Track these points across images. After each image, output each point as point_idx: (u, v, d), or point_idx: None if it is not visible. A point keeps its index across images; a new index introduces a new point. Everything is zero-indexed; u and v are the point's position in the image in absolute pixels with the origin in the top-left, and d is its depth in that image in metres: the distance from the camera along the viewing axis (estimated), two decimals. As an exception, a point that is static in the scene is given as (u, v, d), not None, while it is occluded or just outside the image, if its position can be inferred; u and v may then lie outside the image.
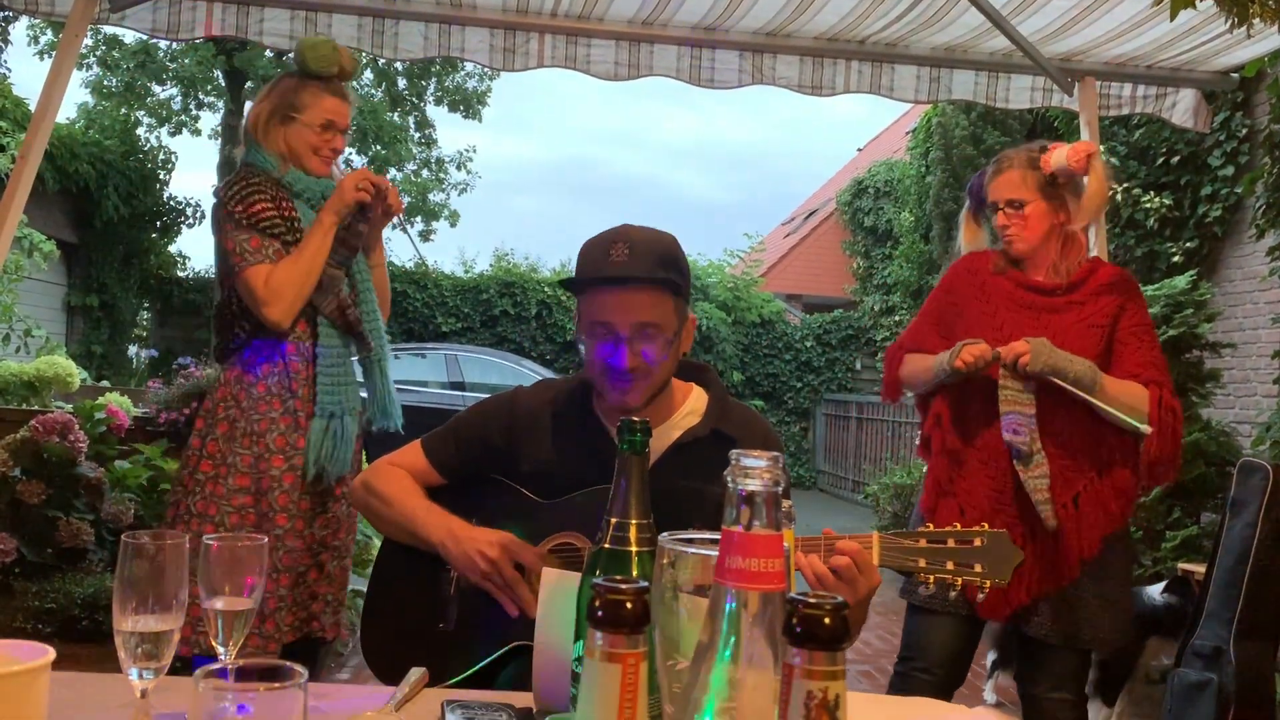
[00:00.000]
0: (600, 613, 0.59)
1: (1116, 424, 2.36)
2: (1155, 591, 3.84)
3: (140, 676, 1.03)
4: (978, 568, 1.53)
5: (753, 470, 0.69)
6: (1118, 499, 2.40)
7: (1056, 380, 2.32)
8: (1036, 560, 2.35)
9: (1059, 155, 2.47)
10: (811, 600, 0.57)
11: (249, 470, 2.40)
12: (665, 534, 0.85)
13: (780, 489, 0.69)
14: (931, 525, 2.42)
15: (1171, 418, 2.38)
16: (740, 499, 0.68)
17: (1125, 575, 2.50)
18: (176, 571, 1.07)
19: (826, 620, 0.56)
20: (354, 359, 2.60)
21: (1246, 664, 3.15)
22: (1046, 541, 2.36)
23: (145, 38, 12.97)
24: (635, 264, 1.63)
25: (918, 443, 2.66)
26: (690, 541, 0.83)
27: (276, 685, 0.66)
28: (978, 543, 1.54)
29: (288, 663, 0.69)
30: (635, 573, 1.07)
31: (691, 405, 1.79)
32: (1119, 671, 3.84)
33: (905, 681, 2.51)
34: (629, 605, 0.59)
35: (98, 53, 14.42)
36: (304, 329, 2.48)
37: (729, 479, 0.70)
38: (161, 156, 13.72)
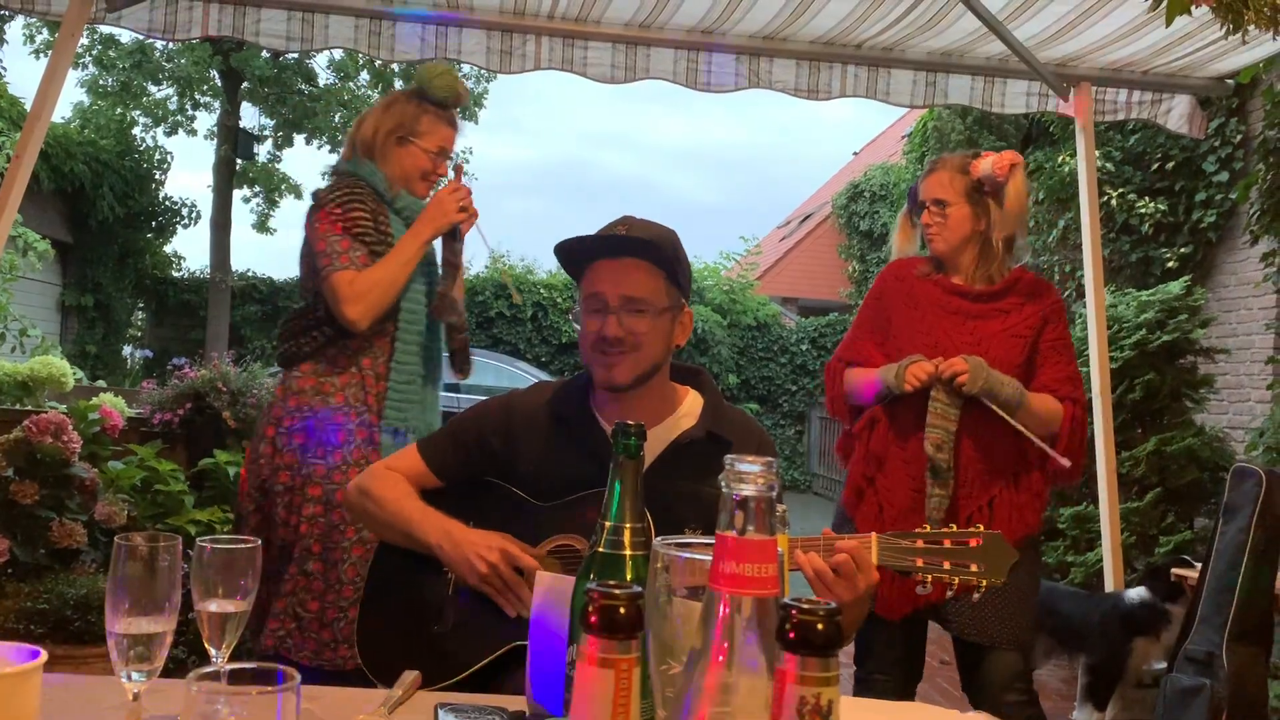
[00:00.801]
0: (594, 618, 0.59)
1: (1035, 436, 2.42)
2: (1134, 593, 3.85)
3: (132, 679, 1.03)
4: (974, 567, 1.55)
5: (747, 475, 0.69)
6: (1031, 505, 2.46)
7: (986, 401, 2.39)
8: None
9: (986, 162, 2.53)
10: (805, 606, 0.57)
11: (321, 481, 2.39)
12: (659, 538, 0.85)
13: (774, 494, 0.69)
14: (855, 521, 2.49)
15: (1080, 432, 2.48)
16: (734, 504, 0.68)
17: (1034, 576, 2.54)
18: (170, 574, 1.07)
19: (820, 626, 0.56)
20: (425, 380, 2.60)
21: (1239, 668, 3.15)
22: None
23: (142, 38, 12.98)
24: (631, 238, 1.68)
25: (837, 440, 2.73)
26: (685, 545, 0.83)
27: (269, 689, 0.66)
28: (974, 543, 1.55)
29: (281, 665, 0.69)
30: (630, 576, 1.07)
31: (687, 408, 1.79)
32: (1108, 675, 3.85)
33: (865, 686, 2.56)
34: (623, 610, 0.58)
35: (94, 52, 14.38)
36: (383, 347, 2.49)
37: (723, 484, 0.70)
38: (157, 157, 13.71)
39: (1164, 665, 3.90)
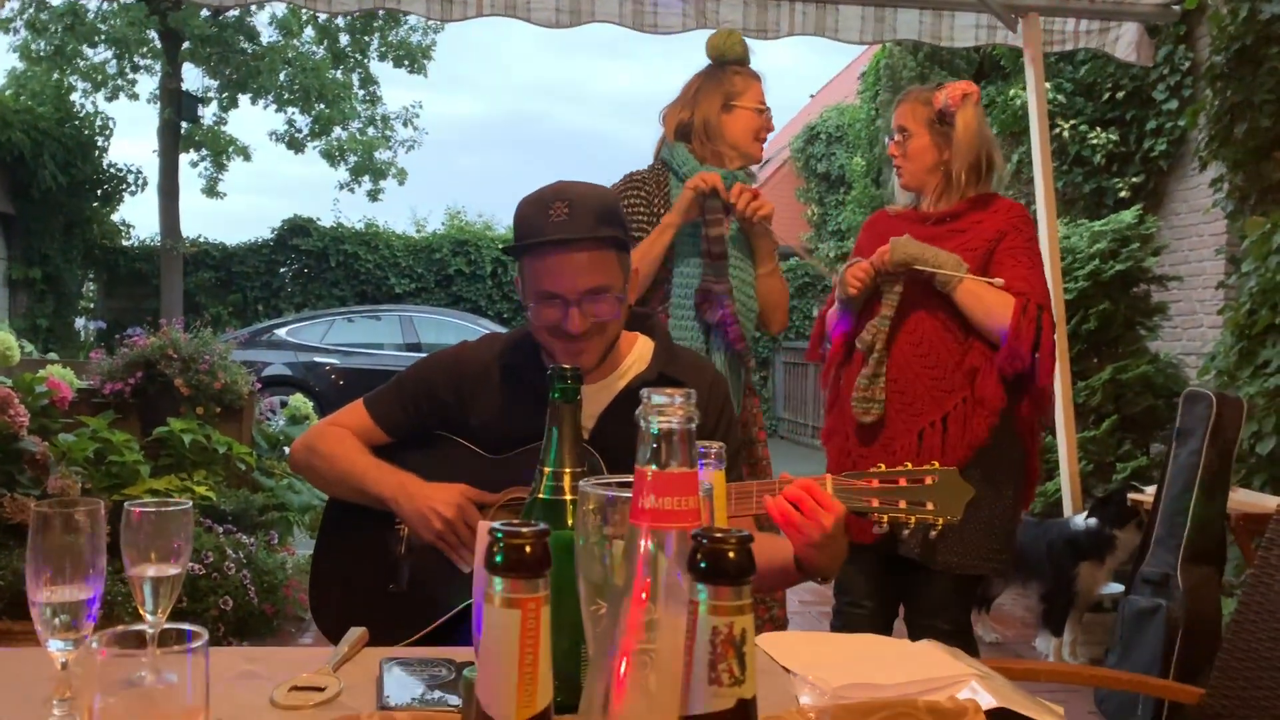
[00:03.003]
0: (499, 558, 0.57)
1: (979, 307, 2.37)
2: (1081, 519, 3.91)
3: (58, 648, 1.01)
4: (930, 505, 1.54)
5: (664, 407, 0.67)
6: (981, 417, 2.40)
7: (920, 268, 2.39)
8: None
9: (944, 92, 2.54)
10: (715, 534, 0.55)
11: None
12: (585, 479, 0.83)
13: (693, 425, 0.67)
14: (828, 456, 2.51)
15: (1032, 330, 2.35)
16: (652, 437, 0.66)
17: (1001, 500, 2.44)
18: (93, 540, 1.04)
19: (730, 554, 0.54)
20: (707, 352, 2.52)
21: (1193, 589, 3.22)
22: (911, 460, 2.37)
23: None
24: (576, 223, 1.58)
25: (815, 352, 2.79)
26: (613, 485, 0.81)
27: (175, 649, 0.63)
28: (929, 480, 1.55)
29: (190, 626, 0.66)
30: (571, 522, 1.05)
31: (638, 353, 1.77)
32: (1060, 601, 3.92)
33: (841, 618, 2.57)
34: (527, 549, 0.56)
35: (24, 16, 13.92)
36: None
37: (640, 418, 0.68)
38: (99, 123, 13.33)
39: (1113, 589, 3.98)
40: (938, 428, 2.41)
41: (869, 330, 2.45)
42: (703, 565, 0.54)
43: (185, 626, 0.66)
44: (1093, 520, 3.85)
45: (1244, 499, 3.63)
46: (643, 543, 0.65)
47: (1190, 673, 3.06)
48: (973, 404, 2.40)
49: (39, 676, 1.06)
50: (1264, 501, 3.58)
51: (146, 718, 0.64)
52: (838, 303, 2.58)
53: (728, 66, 2.61)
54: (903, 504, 1.54)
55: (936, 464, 1.59)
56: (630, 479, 0.87)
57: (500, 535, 0.57)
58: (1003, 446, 2.44)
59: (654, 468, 0.66)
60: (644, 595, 0.64)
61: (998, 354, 2.38)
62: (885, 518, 1.55)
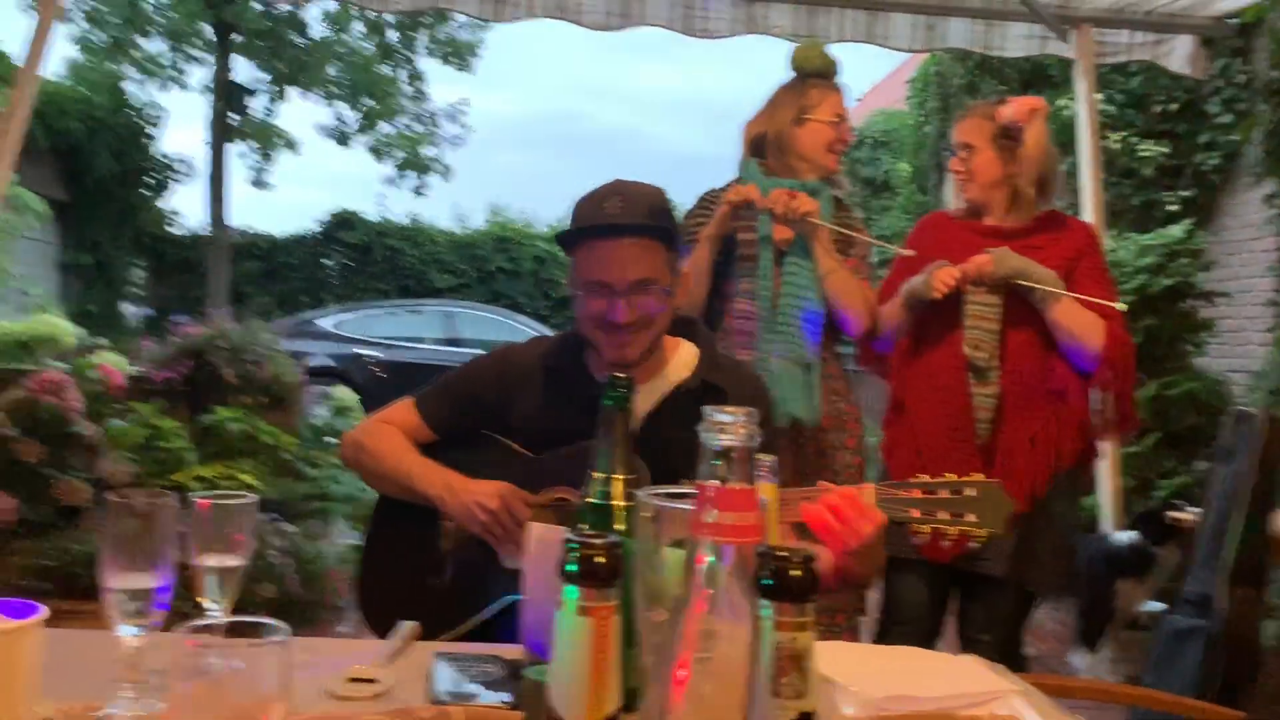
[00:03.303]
0: (572, 567, 0.59)
1: (1078, 325, 2.38)
2: (1120, 534, 3.88)
3: (129, 633, 1.05)
4: (971, 517, 1.54)
5: (726, 425, 0.69)
6: (1070, 439, 2.42)
7: (1023, 283, 2.36)
8: None
9: (1007, 108, 2.53)
10: (781, 553, 0.57)
11: None
12: (645, 489, 0.85)
13: (754, 443, 0.69)
14: (890, 467, 2.48)
15: (1123, 351, 2.41)
16: (714, 454, 0.69)
17: (1074, 519, 2.55)
18: (164, 529, 1.08)
19: (795, 572, 0.56)
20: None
21: (1234, 610, 3.18)
22: (999, 478, 2.38)
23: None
24: (629, 215, 1.64)
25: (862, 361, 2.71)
26: (672, 496, 0.84)
27: (259, 641, 0.67)
28: (971, 493, 1.55)
29: (271, 620, 0.70)
30: (621, 527, 1.08)
31: (683, 358, 1.79)
32: (1097, 617, 3.88)
33: (883, 637, 2.55)
34: (600, 559, 0.59)
35: (84, 8, 14.19)
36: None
37: (703, 434, 0.70)
38: (151, 113, 13.57)
39: (1152, 607, 3.94)
40: (1025, 447, 2.41)
41: (975, 343, 2.40)
42: (769, 582, 0.56)
43: (264, 620, 0.70)
44: (1135, 536, 3.81)
45: (1289, 521, 3.58)
46: (703, 555, 0.67)
47: (1228, 694, 3.02)
48: (1062, 424, 2.42)
49: (104, 659, 1.10)
50: (1309, 524, 3.53)
51: (226, 706, 0.68)
52: (907, 304, 2.50)
53: (808, 79, 2.64)
54: (944, 515, 1.54)
55: (980, 475, 1.59)
56: (679, 489, 0.89)
57: (575, 545, 0.60)
58: (1081, 465, 2.49)
59: (716, 483, 0.68)
60: (703, 606, 0.66)
61: (1096, 373, 2.40)
62: (927, 528, 1.55)
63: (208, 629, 0.71)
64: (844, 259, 2.56)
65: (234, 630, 0.72)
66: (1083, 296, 2.39)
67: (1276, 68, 4.96)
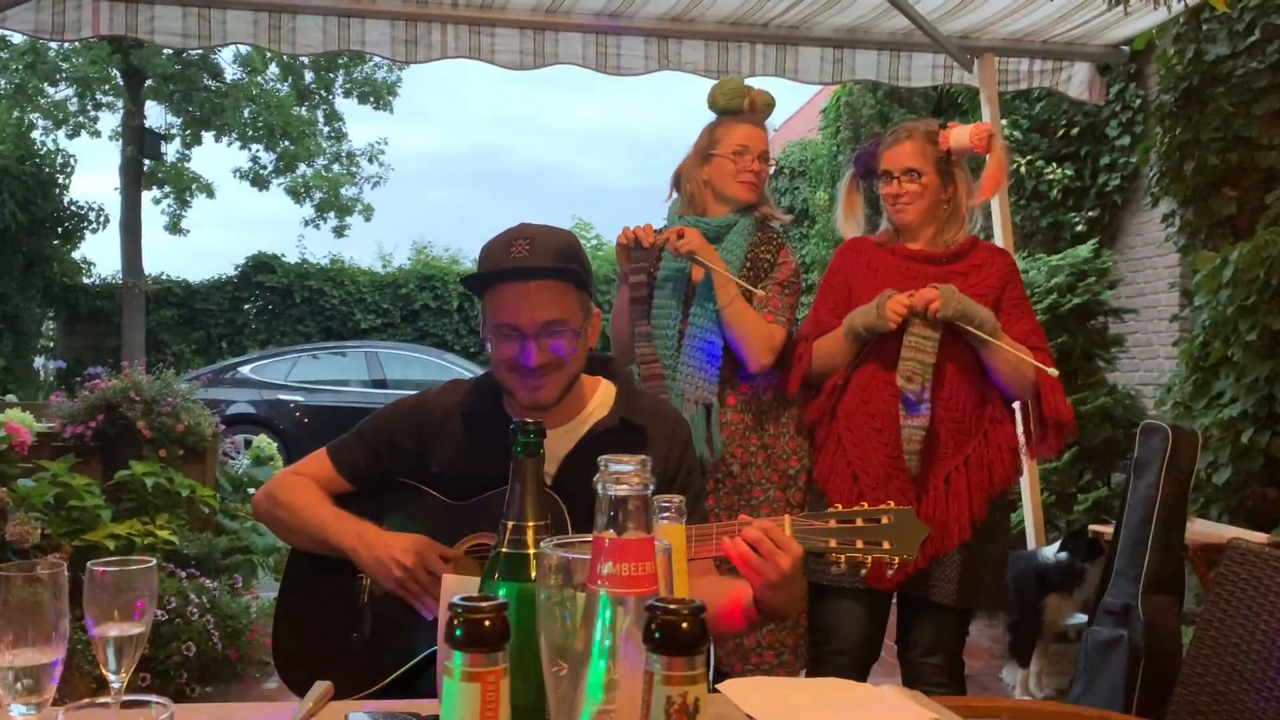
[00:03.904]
0: (457, 633, 0.58)
1: (1009, 375, 2.44)
2: (1050, 551, 3.96)
3: (19, 712, 1.00)
4: (886, 544, 1.55)
5: (622, 475, 0.68)
6: (1001, 462, 2.47)
7: (964, 326, 2.39)
8: (929, 523, 2.38)
9: (960, 134, 2.55)
10: (670, 606, 0.56)
11: None
12: (546, 539, 0.84)
13: (650, 492, 0.69)
14: (828, 494, 2.48)
15: (1052, 381, 2.48)
16: (610, 503, 0.68)
17: (1007, 538, 2.60)
18: (55, 601, 1.03)
19: (684, 625, 0.55)
20: None
21: (1154, 619, 3.25)
22: (939, 505, 2.42)
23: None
24: (536, 258, 1.63)
25: (804, 414, 2.64)
26: (572, 545, 0.83)
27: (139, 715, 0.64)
28: (885, 520, 1.57)
29: (155, 697, 0.67)
30: (534, 575, 1.06)
31: (600, 398, 1.78)
32: (1028, 632, 3.95)
33: (821, 665, 2.52)
34: (487, 624, 0.58)
35: (-15, 54, 13.83)
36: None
37: (598, 485, 0.69)
38: (59, 160, 13.23)
39: (1079, 619, 4.02)
40: (961, 471, 2.45)
41: (909, 375, 2.40)
42: (656, 636, 0.55)
43: (150, 698, 0.67)
44: (1063, 554, 3.88)
45: (1201, 529, 3.69)
46: (601, 607, 0.66)
47: (1153, 701, 3.09)
48: (992, 448, 2.47)
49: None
50: (1221, 531, 3.65)
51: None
52: (851, 337, 2.49)
53: (720, 116, 2.69)
54: (860, 543, 1.55)
55: (892, 503, 1.61)
56: (585, 539, 0.88)
57: (460, 610, 0.58)
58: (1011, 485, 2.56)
59: (612, 533, 0.68)
60: (603, 659, 0.66)
61: (1043, 404, 2.47)
62: (843, 558, 1.56)
63: (90, 712, 0.68)
64: (760, 290, 2.55)
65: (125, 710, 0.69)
66: (1019, 353, 2.43)
67: (1167, 91, 5.17)
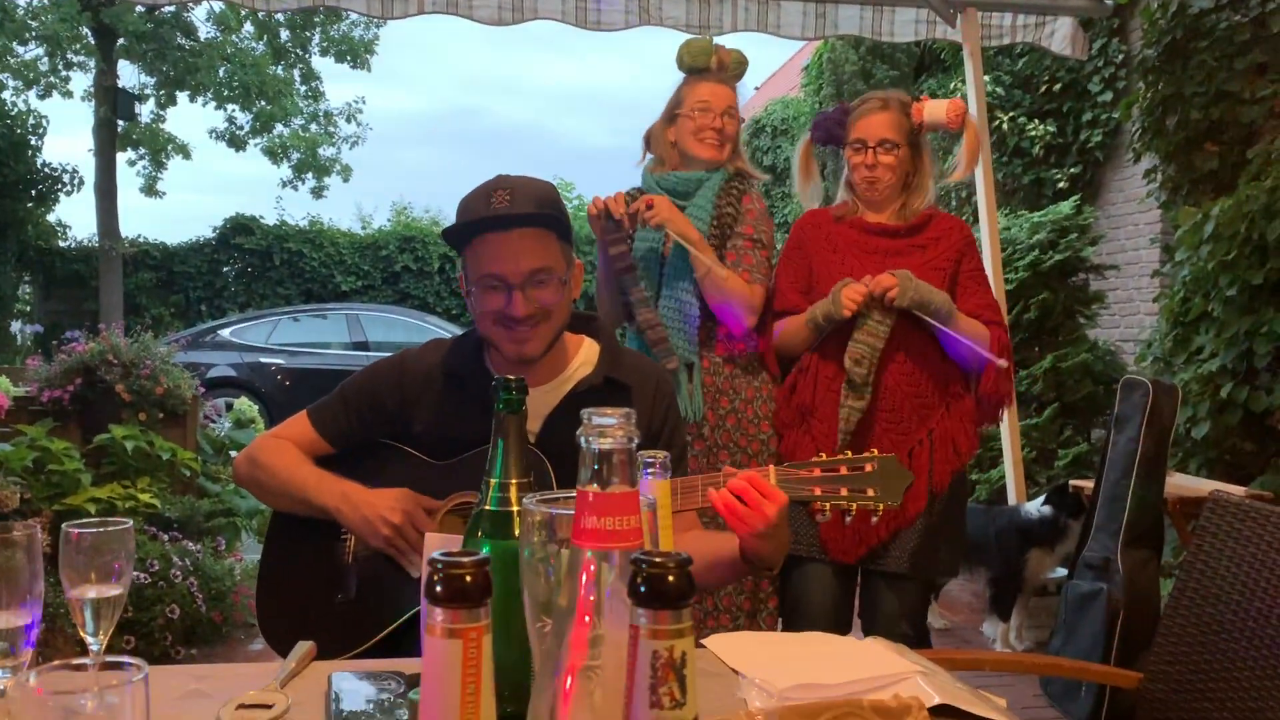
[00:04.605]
0: (439, 588, 0.57)
1: (967, 352, 2.46)
2: (1034, 506, 3.99)
3: (-3, 676, 0.99)
4: (870, 492, 1.57)
5: (606, 429, 0.67)
6: (965, 433, 2.50)
7: (919, 313, 2.40)
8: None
9: (935, 109, 2.54)
10: (655, 559, 0.55)
11: None
12: (529, 495, 0.83)
13: (634, 445, 0.68)
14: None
15: (1008, 355, 2.52)
16: (594, 457, 0.67)
17: (964, 505, 2.65)
18: (30, 564, 1.02)
19: (670, 579, 0.55)
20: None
21: (1133, 572, 3.29)
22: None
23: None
24: (517, 206, 1.60)
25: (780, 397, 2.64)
26: (555, 501, 0.82)
27: (114, 679, 0.63)
28: (869, 468, 1.58)
29: (130, 659, 0.66)
30: (518, 532, 1.06)
31: (583, 356, 1.77)
32: (1009, 587, 3.99)
33: None
34: (468, 579, 0.57)
35: (-49, 13, 13.52)
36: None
37: (581, 439, 0.68)
38: (31, 121, 13.00)
39: (1060, 574, 4.07)
40: (925, 445, 2.47)
41: (856, 357, 2.42)
42: (642, 590, 0.54)
43: (124, 659, 0.66)
44: (1047, 509, 3.92)
45: (1181, 483, 3.73)
46: (585, 563, 0.65)
47: (1132, 653, 3.13)
48: (954, 420, 2.49)
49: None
50: (1199, 485, 3.68)
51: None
52: (813, 325, 2.49)
53: (687, 76, 2.65)
54: (844, 491, 1.57)
55: (876, 451, 1.62)
56: (569, 494, 0.87)
57: (440, 565, 0.57)
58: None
59: (595, 488, 0.67)
60: (587, 614, 0.65)
61: (983, 382, 2.51)
62: (828, 505, 1.57)
63: (65, 672, 0.66)
64: (736, 245, 2.55)
65: (101, 673, 0.67)
66: (974, 330, 2.46)
67: (1150, 46, 5.14)
